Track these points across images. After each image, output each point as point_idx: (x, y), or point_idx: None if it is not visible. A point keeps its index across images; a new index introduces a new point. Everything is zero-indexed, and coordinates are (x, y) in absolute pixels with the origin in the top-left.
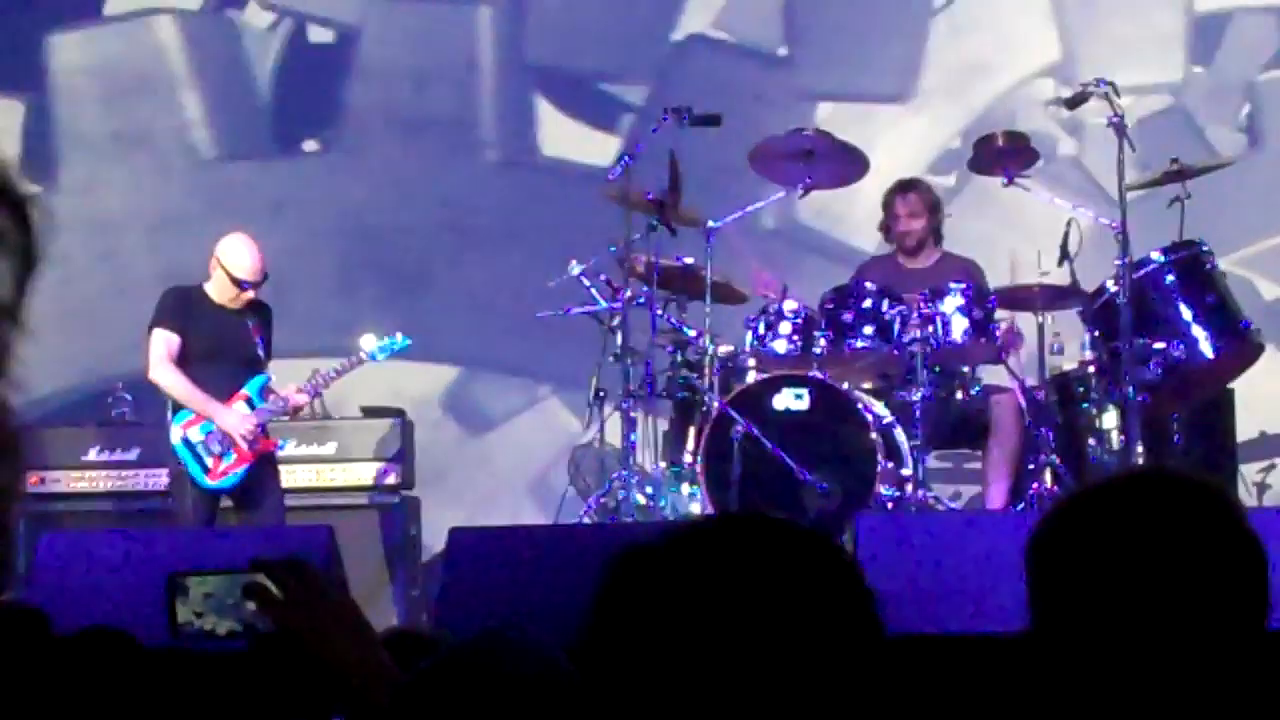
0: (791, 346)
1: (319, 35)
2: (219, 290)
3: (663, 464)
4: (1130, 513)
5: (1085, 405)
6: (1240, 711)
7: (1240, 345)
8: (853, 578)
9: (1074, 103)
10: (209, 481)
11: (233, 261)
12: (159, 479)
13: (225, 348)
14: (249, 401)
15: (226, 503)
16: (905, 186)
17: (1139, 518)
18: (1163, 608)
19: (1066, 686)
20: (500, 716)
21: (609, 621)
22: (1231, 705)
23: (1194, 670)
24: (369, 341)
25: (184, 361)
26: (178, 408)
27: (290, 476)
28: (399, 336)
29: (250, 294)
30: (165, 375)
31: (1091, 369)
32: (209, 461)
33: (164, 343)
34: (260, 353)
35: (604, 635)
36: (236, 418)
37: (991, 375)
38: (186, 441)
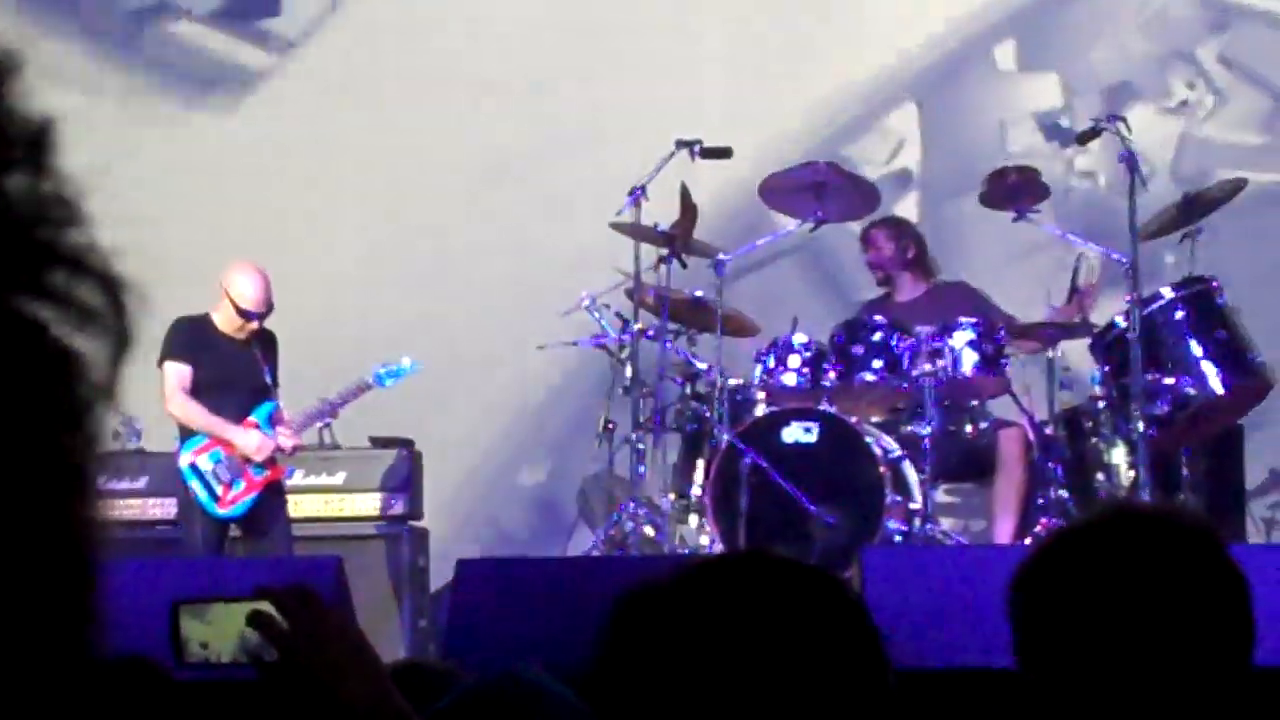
0: (801, 379)
1: None
2: (225, 320)
3: (671, 496)
4: (1112, 551)
5: (1094, 440)
6: None
7: (1250, 381)
8: (859, 617)
9: (1085, 138)
10: (218, 510)
11: (239, 292)
12: (167, 507)
13: (234, 377)
14: (259, 429)
15: (235, 532)
16: (874, 223)
17: (1121, 556)
18: (1145, 643)
19: None
20: None
21: (617, 661)
22: None
23: (1179, 707)
24: (375, 366)
25: (194, 392)
26: (186, 435)
27: (298, 506)
28: (406, 361)
29: (255, 324)
30: (182, 406)
31: (1101, 404)
32: (218, 489)
33: (176, 375)
34: (268, 380)
35: (612, 674)
36: (257, 439)
37: (1000, 410)
38: (195, 469)
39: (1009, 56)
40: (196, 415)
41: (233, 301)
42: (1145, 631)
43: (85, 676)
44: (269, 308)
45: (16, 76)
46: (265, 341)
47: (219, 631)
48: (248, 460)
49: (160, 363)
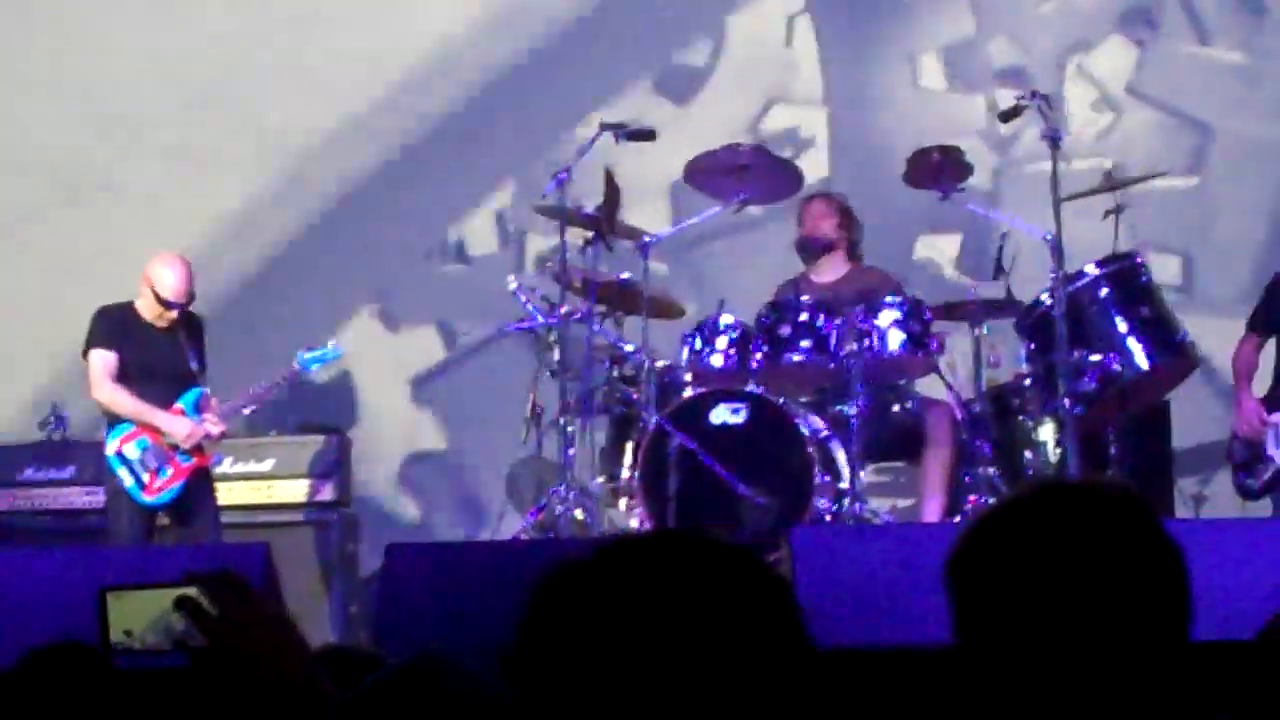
0: (728, 361)
1: None
2: (148, 308)
3: (600, 479)
4: (1046, 525)
5: (1021, 418)
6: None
7: (1176, 358)
8: (781, 594)
9: (1008, 116)
10: (145, 498)
11: (160, 282)
12: (95, 497)
13: (158, 365)
14: (185, 415)
15: (163, 520)
16: (815, 195)
17: (1055, 530)
18: (1082, 619)
19: (992, 701)
20: None
21: (536, 636)
22: (1154, 716)
23: (1116, 682)
24: (301, 352)
25: (120, 380)
26: (113, 423)
27: (227, 493)
28: (331, 345)
29: (175, 314)
30: (108, 393)
31: (1027, 382)
32: (145, 477)
33: (102, 361)
34: (193, 366)
35: (531, 650)
36: (186, 425)
37: (927, 388)
38: (122, 457)
39: None
40: (124, 402)
41: (154, 291)
42: (1081, 605)
43: None
44: (190, 298)
45: None
46: (191, 327)
47: (147, 617)
48: (174, 447)
49: (85, 352)
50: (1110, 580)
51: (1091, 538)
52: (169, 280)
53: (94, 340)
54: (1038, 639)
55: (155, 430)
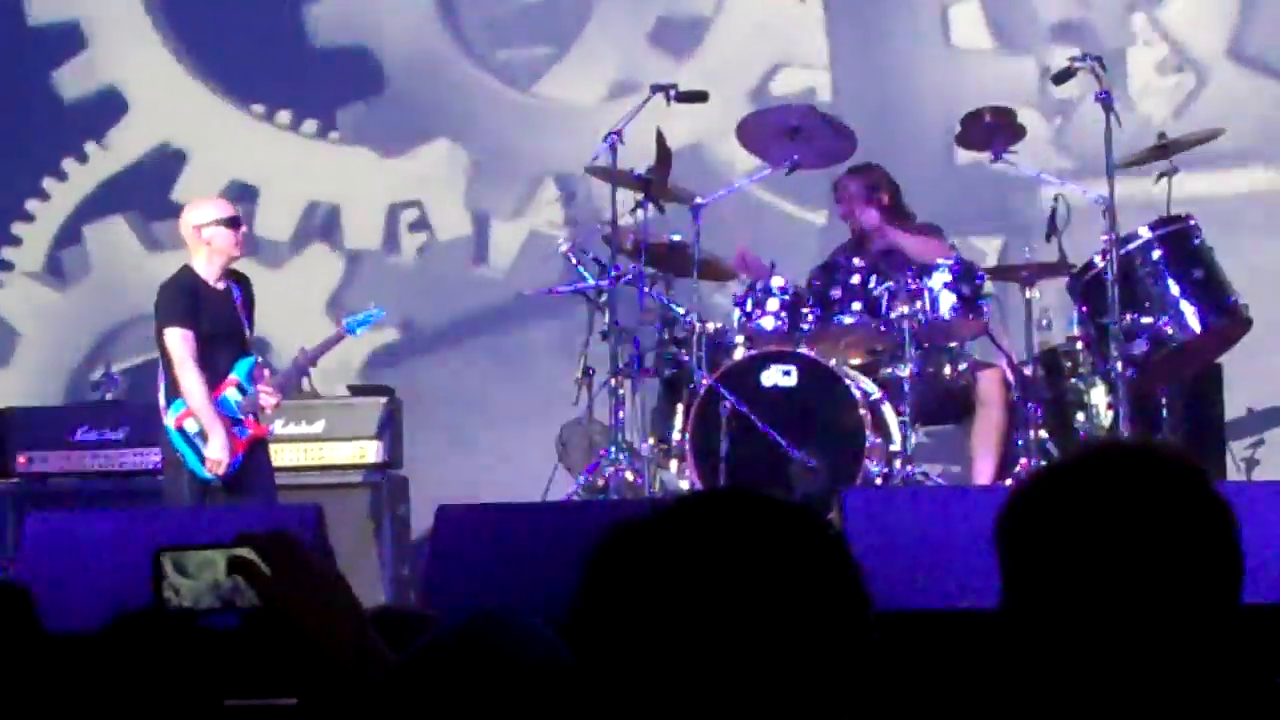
0: (779, 323)
1: None
2: (205, 266)
3: (651, 441)
4: (1098, 487)
5: (1073, 380)
6: (1215, 686)
7: (1228, 320)
8: (840, 553)
9: (1060, 78)
10: (206, 472)
11: (207, 216)
12: (147, 458)
13: (222, 329)
14: (239, 386)
15: (218, 485)
16: (845, 173)
17: (1107, 492)
18: (1134, 581)
19: (1041, 663)
20: (496, 697)
21: (597, 597)
22: (1206, 679)
23: (1167, 644)
24: (345, 317)
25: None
26: (173, 396)
27: (278, 455)
28: (373, 307)
29: (243, 231)
30: (191, 378)
31: (1079, 344)
32: (205, 451)
33: (183, 341)
34: (246, 330)
35: (592, 611)
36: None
37: (979, 351)
38: (182, 432)
39: None
40: (197, 394)
41: (206, 230)
42: (1133, 567)
43: None
44: (238, 214)
45: None
46: (242, 285)
47: (201, 577)
48: (233, 421)
49: (161, 329)
50: (1161, 543)
51: (1142, 501)
52: (212, 207)
53: (170, 317)
54: (1087, 602)
55: (213, 407)
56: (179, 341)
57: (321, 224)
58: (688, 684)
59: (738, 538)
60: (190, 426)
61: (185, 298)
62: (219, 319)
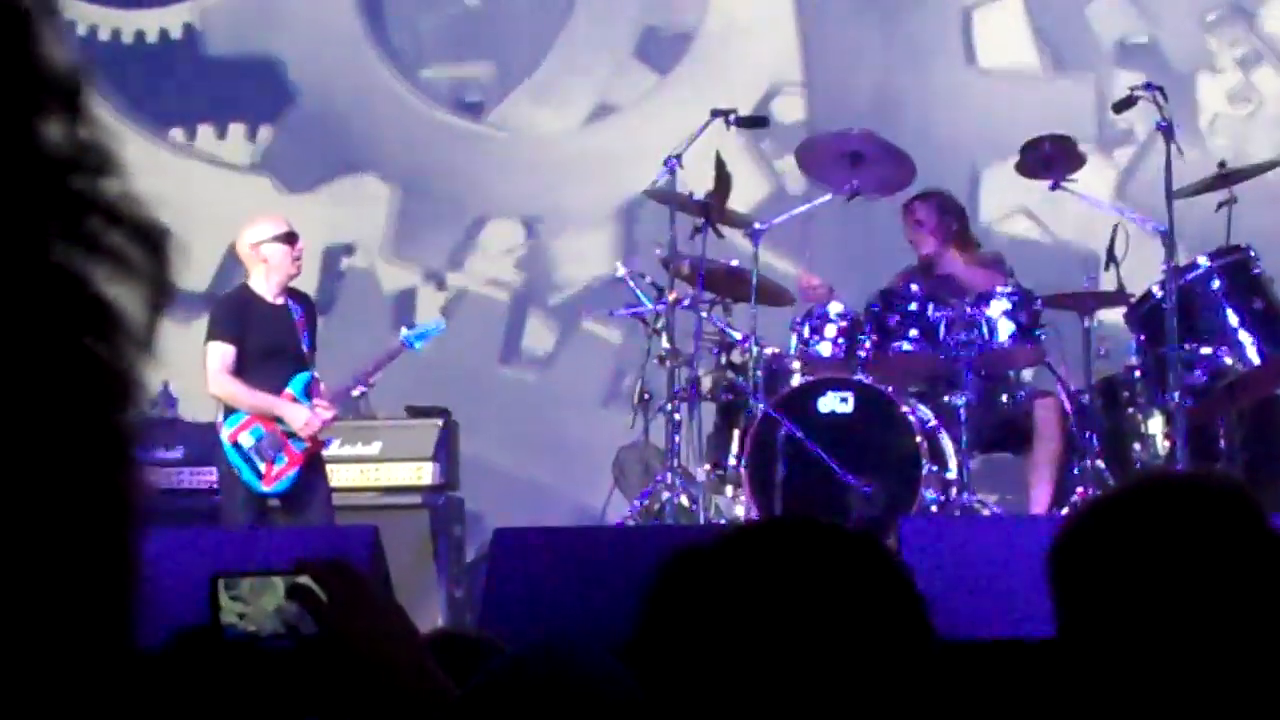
0: (836, 349)
1: None
2: (263, 284)
3: (707, 466)
4: (1151, 518)
5: (1130, 410)
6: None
7: None
8: (903, 582)
9: (1121, 106)
10: (263, 487)
11: (264, 234)
12: (204, 477)
13: (277, 345)
14: (294, 400)
15: (274, 501)
16: (912, 199)
17: (1160, 523)
18: (1185, 614)
19: (1095, 692)
20: None
21: (661, 623)
22: (1257, 712)
23: (1219, 678)
24: (404, 329)
25: (240, 363)
26: (229, 411)
27: (335, 476)
28: (433, 322)
29: (300, 247)
30: (225, 387)
31: (1137, 374)
32: (261, 466)
33: (220, 355)
34: (304, 348)
35: (656, 636)
36: (305, 413)
37: (1037, 379)
38: (238, 447)
39: None
40: (241, 395)
41: (264, 247)
42: (1185, 599)
43: (124, 651)
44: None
45: (49, 22)
46: (303, 304)
47: (257, 603)
48: (289, 435)
49: (206, 341)
50: (1214, 576)
51: (1196, 533)
52: (269, 225)
53: (213, 331)
54: (1140, 633)
55: (270, 419)
56: (214, 355)
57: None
58: (749, 712)
59: (802, 566)
60: (245, 441)
61: (231, 313)
62: (274, 335)
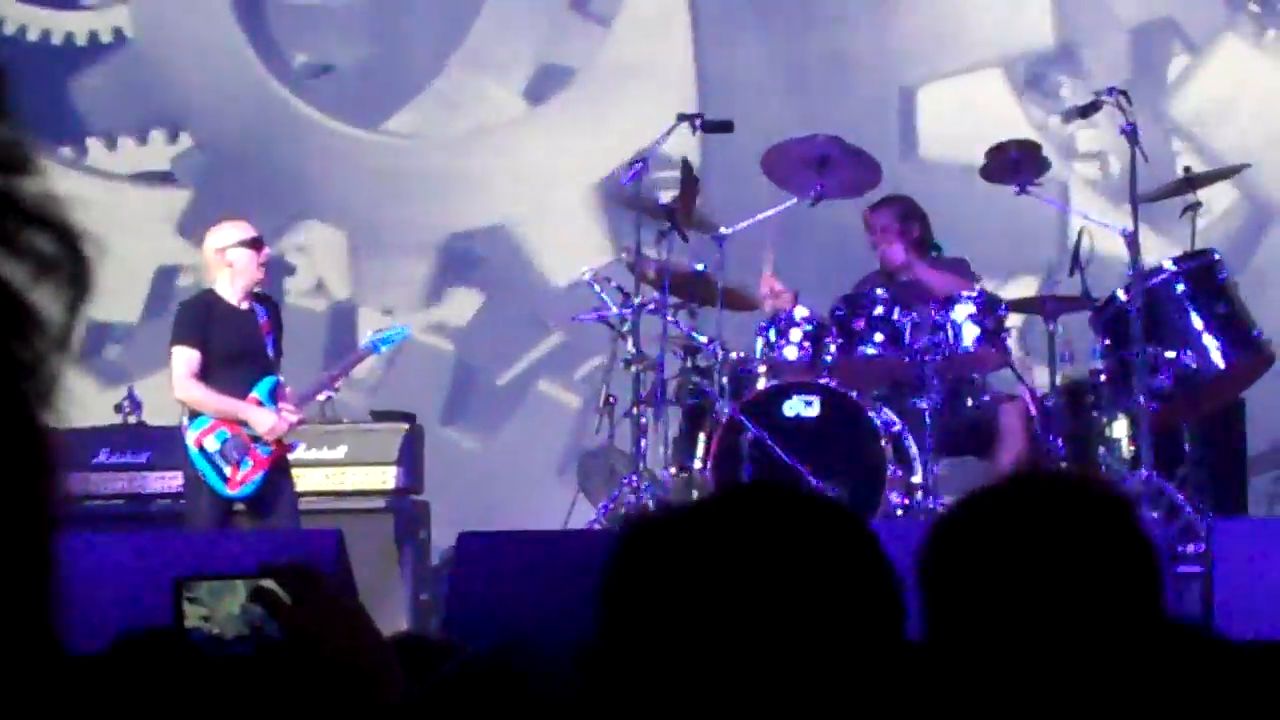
0: (802, 353)
1: None
2: (228, 288)
3: (672, 470)
4: (1018, 518)
5: (1095, 414)
6: (1140, 712)
7: (1252, 355)
8: (870, 548)
9: (1086, 111)
10: (228, 490)
11: (232, 234)
12: (170, 481)
13: (242, 349)
14: (259, 404)
15: (239, 505)
16: (874, 205)
17: (1027, 523)
18: (1055, 612)
19: (964, 695)
20: None
21: (622, 593)
22: (1131, 706)
23: (1090, 673)
24: (369, 333)
25: (205, 367)
26: (193, 415)
27: (300, 480)
28: (398, 326)
29: (267, 252)
30: (190, 391)
31: (1102, 377)
32: (227, 470)
33: (185, 360)
34: (270, 352)
35: (617, 607)
36: (271, 418)
37: (1001, 383)
38: (203, 451)
39: None
40: (206, 400)
41: (229, 252)
42: (1054, 598)
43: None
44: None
45: None
46: (268, 307)
47: (221, 607)
48: (254, 439)
49: (170, 346)
50: (1082, 571)
51: (1064, 529)
52: (233, 229)
53: (178, 336)
54: (1009, 630)
55: (236, 423)
56: (178, 359)
57: None
58: (712, 680)
59: (764, 532)
60: (210, 445)
61: (196, 318)
62: (239, 339)
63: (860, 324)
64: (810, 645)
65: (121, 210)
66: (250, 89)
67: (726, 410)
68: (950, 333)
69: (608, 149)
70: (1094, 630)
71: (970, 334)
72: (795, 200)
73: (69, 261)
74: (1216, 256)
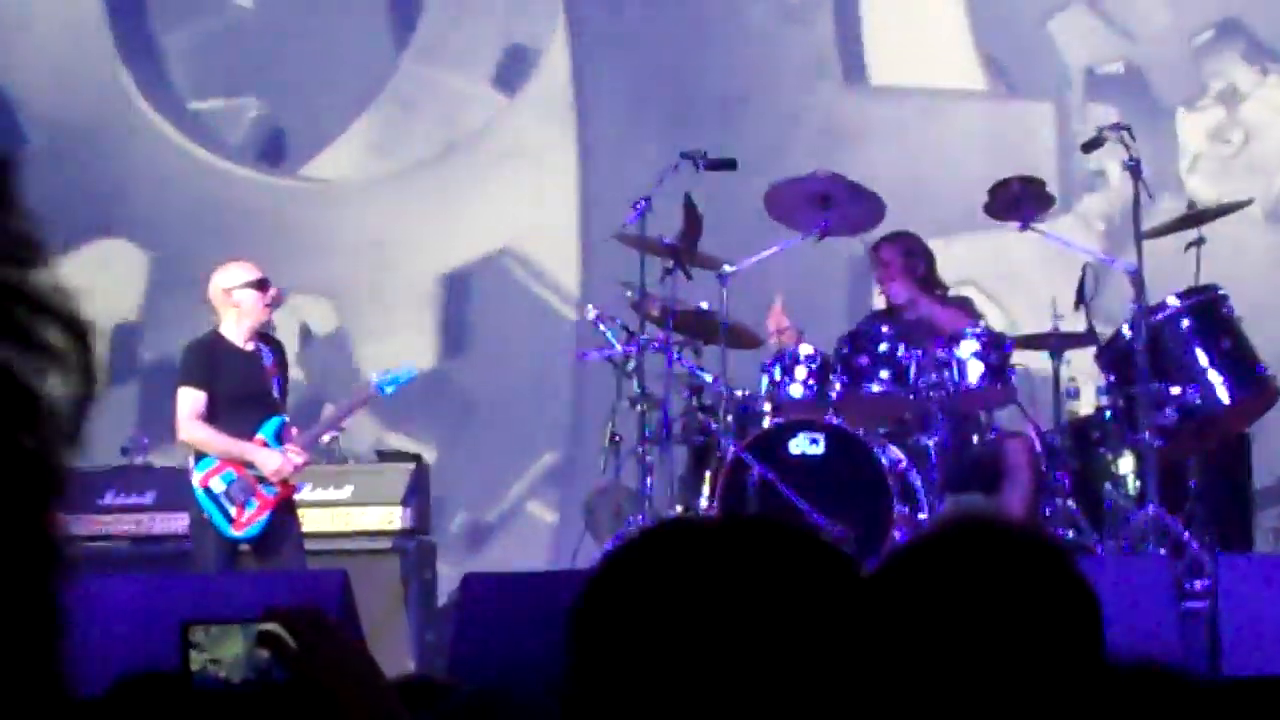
0: (807, 391)
1: None
2: (233, 329)
3: (678, 508)
4: (955, 567)
5: (1101, 450)
6: None
7: (1256, 390)
8: (843, 575)
9: (1090, 146)
10: (234, 532)
11: (239, 275)
12: (176, 522)
13: (248, 391)
14: (264, 445)
15: (246, 548)
16: (880, 241)
17: (964, 572)
18: (994, 664)
19: None
20: None
21: (589, 632)
22: None
23: None
24: (374, 374)
25: (211, 408)
26: (199, 456)
27: (306, 520)
28: (404, 367)
29: (275, 293)
30: (195, 432)
31: (1107, 414)
32: (232, 511)
33: (191, 401)
34: (276, 394)
35: (585, 647)
36: (278, 459)
37: (1007, 420)
38: (209, 492)
39: None
40: (211, 441)
41: (236, 292)
42: (990, 651)
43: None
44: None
45: None
46: (274, 349)
47: (227, 651)
48: (260, 479)
49: (176, 387)
50: (1017, 624)
51: (1000, 581)
52: (240, 270)
53: (183, 377)
54: (945, 679)
55: (242, 464)
56: (184, 401)
57: None
58: (692, 704)
59: (732, 564)
60: (216, 486)
61: (201, 359)
62: (244, 381)
63: (865, 361)
64: (779, 684)
65: None
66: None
67: (732, 448)
68: (955, 370)
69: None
70: (1032, 680)
71: (975, 371)
72: (800, 238)
73: (77, 353)
74: (1221, 292)
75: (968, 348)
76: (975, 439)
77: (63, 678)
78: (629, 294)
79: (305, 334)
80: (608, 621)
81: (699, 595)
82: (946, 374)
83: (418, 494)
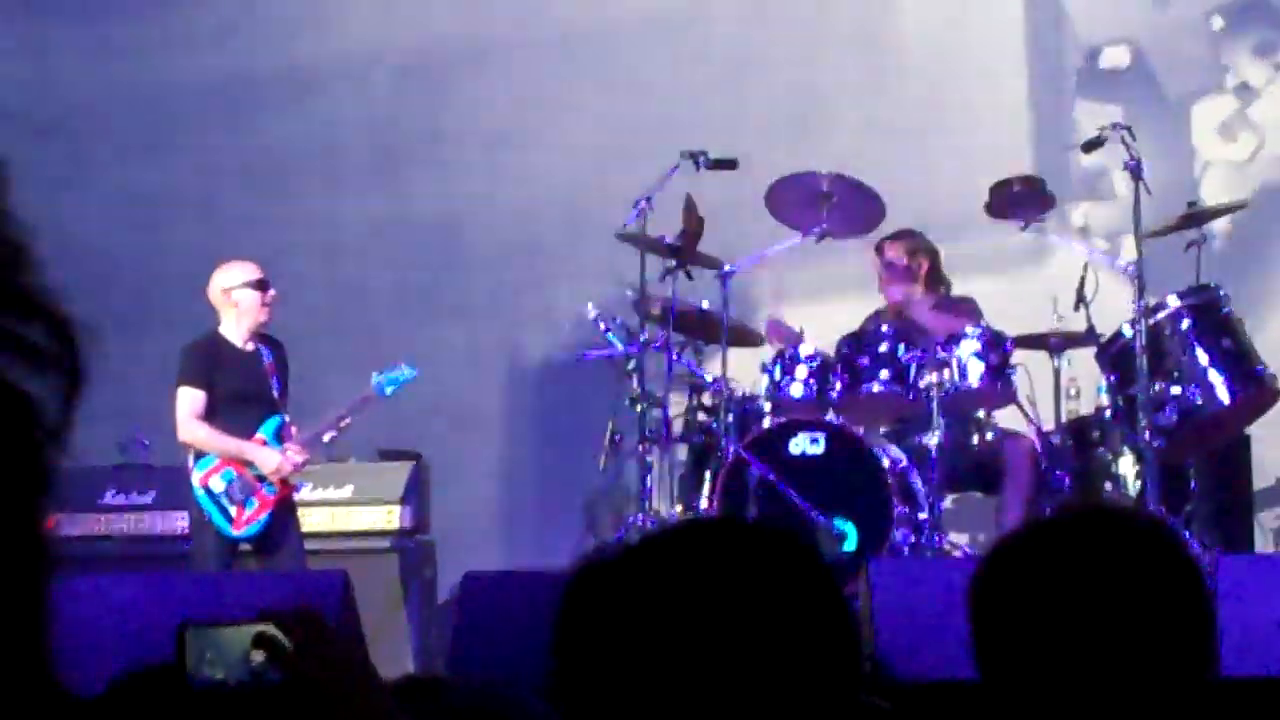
0: (807, 391)
1: None
2: (233, 329)
3: (678, 508)
4: (1070, 553)
5: (1101, 450)
6: None
7: (1257, 390)
8: (825, 580)
9: (1090, 146)
10: (234, 531)
11: (238, 274)
12: (175, 522)
13: (247, 391)
14: (264, 444)
15: (245, 545)
16: (884, 239)
17: (1079, 557)
18: (1106, 648)
19: None
20: None
21: (569, 636)
22: None
23: (1139, 710)
24: (375, 376)
25: (210, 408)
26: (199, 455)
27: (306, 520)
28: (405, 368)
29: (273, 295)
30: (195, 432)
31: (1107, 414)
32: (232, 511)
33: (190, 401)
34: (275, 393)
35: (566, 650)
36: (276, 457)
37: (1007, 420)
38: (208, 491)
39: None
40: (211, 440)
41: (235, 292)
42: (1105, 635)
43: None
44: (266, 276)
45: None
46: (274, 349)
47: (225, 653)
48: (260, 479)
49: (175, 386)
50: (1134, 607)
51: (1117, 564)
52: (239, 270)
53: (183, 377)
54: (1059, 667)
55: (241, 463)
56: (183, 400)
57: None
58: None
59: (715, 564)
60: (216, 485)
61: (199, 359)
62: (243, 380)
63: (866, 361)
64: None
65: None
66: None
67: (732, 448)
68: (956, 369)
69: None
70: (1143, 665)
71: (975, 371)
72: (800, 238)
73: (63, 354)
74: (1221, 291)
75: (968, 348)
76: (975, 439)
77: (52, 676)
78: (629, 293)
79: None
80: (581, 629)
81: (666, 599)
82: (946, 374)
83: (418, 493)
